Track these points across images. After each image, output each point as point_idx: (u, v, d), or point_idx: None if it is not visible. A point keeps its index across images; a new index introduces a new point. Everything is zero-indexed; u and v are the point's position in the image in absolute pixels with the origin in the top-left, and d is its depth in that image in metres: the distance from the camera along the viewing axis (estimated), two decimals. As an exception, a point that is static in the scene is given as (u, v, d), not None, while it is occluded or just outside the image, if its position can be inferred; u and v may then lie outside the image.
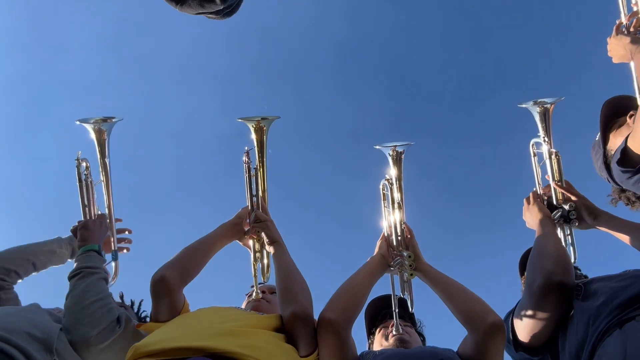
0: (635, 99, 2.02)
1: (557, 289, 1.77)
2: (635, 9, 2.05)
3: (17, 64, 7.21)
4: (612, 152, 2.02)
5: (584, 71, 7.20)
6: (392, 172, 2.26)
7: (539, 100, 2.38)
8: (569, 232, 2.26)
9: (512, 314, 1.98)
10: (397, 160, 2.25)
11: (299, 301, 1.79)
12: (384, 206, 2.33)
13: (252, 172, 2.26)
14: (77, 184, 2.40)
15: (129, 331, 1.82)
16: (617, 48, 2.07)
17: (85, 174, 2.42)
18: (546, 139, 2.38)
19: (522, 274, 2.34)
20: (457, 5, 7.92)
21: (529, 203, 2.38)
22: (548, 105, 2.37)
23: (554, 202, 2.31)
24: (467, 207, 8.32)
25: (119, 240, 2.51)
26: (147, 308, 2.33)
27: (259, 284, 2.26)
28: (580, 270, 2.29)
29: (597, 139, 2.18)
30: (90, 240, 2.17)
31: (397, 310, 2.12)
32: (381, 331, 2.18)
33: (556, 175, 2.34)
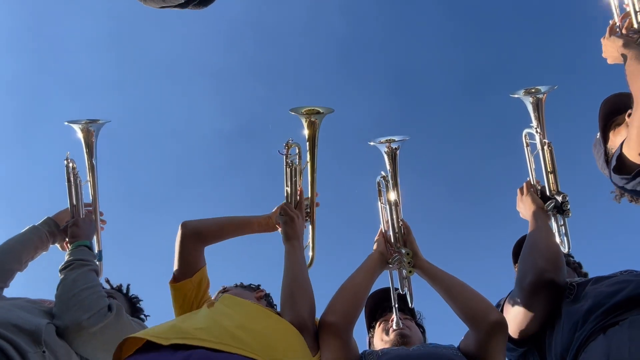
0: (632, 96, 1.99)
1: (547, 286, 1.78)
2: (627, 9, 2.02)
3: (15, 63, 7.23)
4: (612, 151, 2.01)
5: (578, 64, 7.26)
6: (388, 168, 2.24)
7: (532, 89, 2.36)
8: (562, 223, 2.28)
9: (503, 303, 2.00)
10: (393, 157, 2.23)
11: (297, 310, 1.79)
12: (381, 203, 2.32)
13: (295, 165, 2.28)
14: (66, 183, 2.45)
15: (120, 320, 1.86)
16: (610, 50, 2.06)
17: (73, 174, 2.48)
18: (538, 130, 2.38)
19: (515, 262, 2.36)
20: (455, 2, 7.84)
21: (522, 193, 2.39)
22: (541, 95, 2.36)
23: (547, 193, 2.32)
24: (464, 202, 8.46)
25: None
26: (134, 292, 2.48)
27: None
28: (573, 257, 2.32)
29: (597, 137, 2.17)
30: (82, 237, 2.25)
31: (396, 305, 2.14)
32: (381, 325, 2.20)
33: (549, 165, 2.34)
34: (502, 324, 1.73)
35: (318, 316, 1.89)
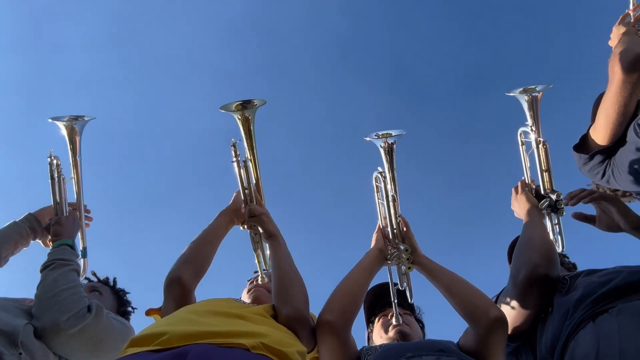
0: None
1: (541, 281, 1.77)
2: None
3: (15, 62, 7.04)
4: None
5: (577, 64, 7.38)
6: (385, 164, 2.19)
7: (527, 87, 2.36)
8: (556, 222, 2.28)
9: (495, 300, 1.99)
10: (389, 152, 2.19)
11: (292, 303, 1.75)
12: (378, 199, 2.28)
13: (241, 164, 2.19)
14: (49, 181, 2.42)
15: (100, 321, 1.83)
16: (614, 38, 2.06)
17: (57, 171, 2.44)
18: (533, 128, 2.38)
19: (510, 261, 2.34)
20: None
21: (517, 192, 2.39)
22: (536, 94, 2.37)
23: (542, 192, 2.32)
24: (462, 198, 8.52)
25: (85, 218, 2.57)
26: (121, 285, 2.47)
27: (264, 270, 2.23)
28: (568, 257, 2.32)
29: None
30: (64, 236, 2.23)
31: (395, 300, 2.11)
32: (380, 320, 2.18)
33: (544, 164, 2.34)
34: (503, 320, 1.72)
35: (313, 312, 1.86)
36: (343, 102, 8.38)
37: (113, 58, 7.53)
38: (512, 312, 1.82)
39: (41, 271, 1.97)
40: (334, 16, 8.19)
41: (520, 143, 2.47)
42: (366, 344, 2.17)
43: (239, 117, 2.18)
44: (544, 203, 2.25)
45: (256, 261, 2.24)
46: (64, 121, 2.41)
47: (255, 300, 2.09)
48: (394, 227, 2.13)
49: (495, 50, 8.21)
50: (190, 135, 7.82)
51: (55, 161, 2.44)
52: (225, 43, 7.79)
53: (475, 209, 8.41)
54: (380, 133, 2.20)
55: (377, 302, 2.25)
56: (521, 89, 2.37)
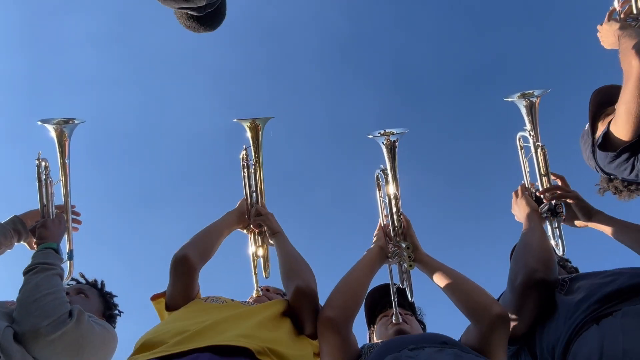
0: None
1: (538, 286, 1.76)
2: None
3: (18, 60, 7.09)
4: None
5: (574, 65, 7.53)
6: (387, 161, 2.19)
7: (525, 92, 2.40)
8: (556, 225, 2.27)
9: None
10: (392, 150, 2.19)
11: (302, 277, 1.83)
12: (380, 196, 2.26)
13: (251, 169, 2.34)
14: (37, 183, 2.41)
15: (81, 326, 1.81)
16: (607, 34, 2.09)
17: (45, 174, 2.44)
18: (532, 133, 2.40)
19: (513, 265, 2.32)
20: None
21: (517, 196, 2.38)
22: (534, 99, 2.40)
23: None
24: (464, 195, 8.55)
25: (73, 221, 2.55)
26: (110, 289, 2.44)
27: (262, 286, 2.27)
28: (570, 262, 2.30)
29: (586, 128, 2.20)
30: (49, 239, 2.21)
31: (396, 299, 2.09)
32: (381, 320, 2.15)
33: (542, 168, 2.35)
34: (505, 317, 1.71)
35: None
36: (343, 101, 8.50)
37: (115, 56, 7.61)
38: (510, 316, 1.78)
39: (24, 274, 1.95)
40: (335, 16, 8.35)
41: (519, 148, 2.49)
42: (367, 343, 2.11)
43: (249, 126, 2.35)
44: (544, 207, 2.25)
45: (253, 273, 2.27)
46: (53, 124, 2.42)
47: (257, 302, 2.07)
48: (396, 225, 2.12)
49: (496, 49, 8.36)
50: (190, 134, 7.88)
51: (43, 163, 2.43)
52: (227, 42, 7.86)
53: (476, 207, 8.43)
54: (383, 131, 2.21)
55: (378, 302, 2.23)
56: (519, 94, 2.40)
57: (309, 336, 1.76)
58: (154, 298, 1.91)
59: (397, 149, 2.19)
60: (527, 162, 2.45)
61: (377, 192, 2.30)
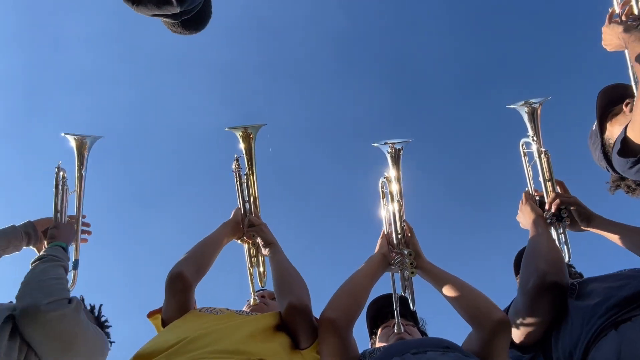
0: (630, 87, 2.02)
1: (551, 289, 1.77)
2: None
3: (16, 59, 7.18)
4: (610, 141, 2.02)
5: (576, 69, 7.47)
6: (391, 169, 2.22)
7: (527, 100, 2.42)
8: (562, 231, 2.27)
9: (505, 312, 1.96)
10: (396, 158, 2.22)
11: (295, 292, 1.81)
12: (383, 204, 2.29)
13: (243, 179, 2.34)
14: (54, 189, 2.52)
15: (78, 316, 1.83)
16: (610, 37, 2.06)
17: (62, 183, 2.55)
18: (535, 139, 2.42)
19: (517, 273, 2.33)
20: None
21: (522, 203, 2.39)
22: (536, 105, 2.42)
23: (546, 201, 2.33)
24: (467, 203, 8.46)
25: (82, 232, 2.63)
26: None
27: (259, 290, 2.28)
28: (574, 268, 2.31)
29: (593, 128, 2.17)
30: (59, 239, 2.31)
31: (398, 308, 2.10)
32: (383, 330, 2.16)
33: (546, 174, 2.36)
34: (506, 323, 1.72)
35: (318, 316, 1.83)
36: (342, 102, 8.47)
37: (112, 56, 7.68)
38: (524, 322, 1.81)
39: (32, 263, 2.03)
40: (334, 15, 8.33)
41: (522, 154, 2.50)
42: (368, 348, 2.14)
43: (241, 135, 2.35)
44: (549, 212, 2.26)
45: (250, 281, 2.28)
46: (75, 136, 2.57)
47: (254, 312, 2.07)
48: (399, 232, 2.13)
49: (497, 50, 8.29)
50: (190, 134, 7.89)
51: (62, 173, 2.56)
52: (226, 42, 7.90)
53: (479, 214, 8.37)
54: (388, 142, 2.24)
55: (380, 312, 2.24)
56: (522, 102, 2.42)
57: (304, 349, 1.74)
58: (151, 315, 1.91)
59: (401, 157, 2.23)
60: (530, 168, 2.46)
61: (381, 199, 2.31)
